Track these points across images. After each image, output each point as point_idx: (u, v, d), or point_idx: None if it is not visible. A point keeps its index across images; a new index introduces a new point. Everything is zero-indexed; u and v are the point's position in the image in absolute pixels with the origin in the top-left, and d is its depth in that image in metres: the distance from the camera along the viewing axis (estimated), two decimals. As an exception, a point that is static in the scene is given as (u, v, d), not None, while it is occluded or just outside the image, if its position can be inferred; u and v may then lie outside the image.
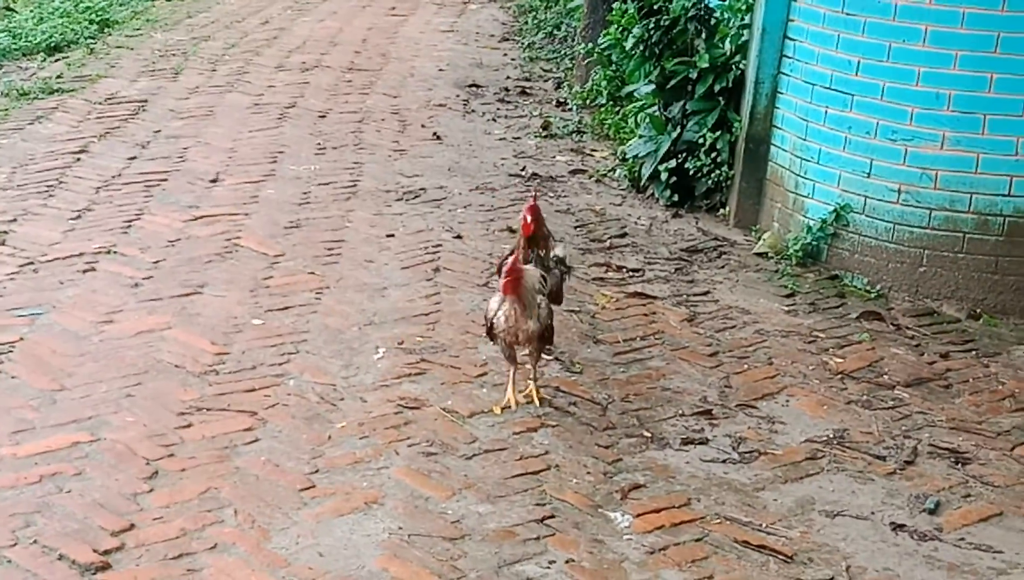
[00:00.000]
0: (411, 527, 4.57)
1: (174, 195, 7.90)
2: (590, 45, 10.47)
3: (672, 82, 8.34)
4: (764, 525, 4.77)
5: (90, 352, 5.74)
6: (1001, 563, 4.66)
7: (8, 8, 13.30)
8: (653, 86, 8.55)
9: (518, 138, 9.71)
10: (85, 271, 6.65)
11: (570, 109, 10.57)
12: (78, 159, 8.53)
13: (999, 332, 6.75)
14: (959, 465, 5.32)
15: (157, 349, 5.81)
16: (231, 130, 9.42)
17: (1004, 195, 6.78)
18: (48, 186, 7.95)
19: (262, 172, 8.45)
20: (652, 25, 8.41)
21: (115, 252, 6.93)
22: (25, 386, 5.41)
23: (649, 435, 5.37)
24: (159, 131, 9.30)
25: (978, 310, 6.89)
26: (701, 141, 8.10)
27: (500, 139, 9.66)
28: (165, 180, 8.17)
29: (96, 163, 8.46)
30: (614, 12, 9.51)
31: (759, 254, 7.53)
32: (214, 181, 8.20)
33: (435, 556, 4.41)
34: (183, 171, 8.37)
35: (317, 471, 4.91)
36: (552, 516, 4.72)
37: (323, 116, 10.00)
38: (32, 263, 6.71)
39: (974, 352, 6.48)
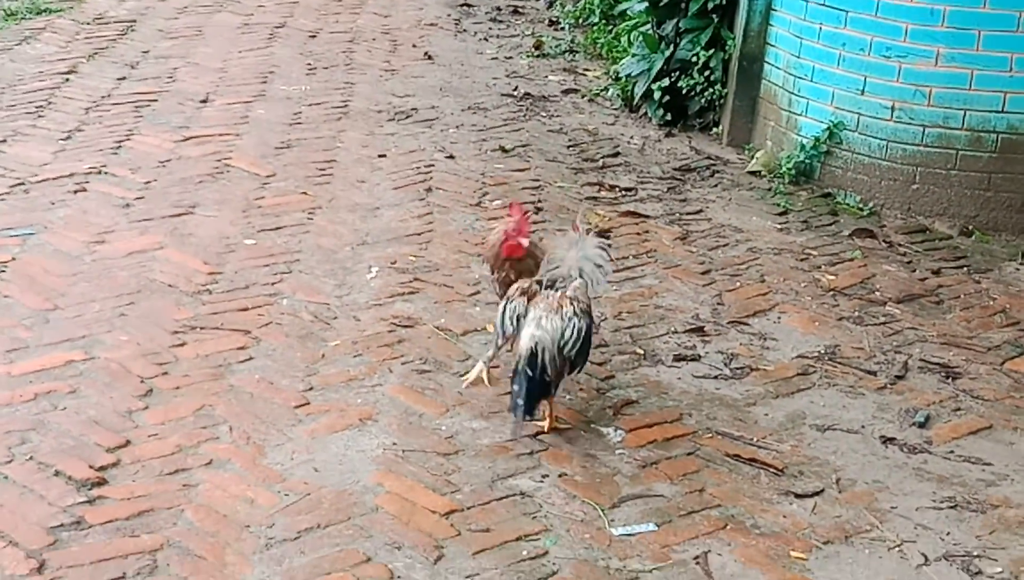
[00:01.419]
0: (405, 443, 4.61)
1: (164, 116, 7.85)
2: (582, -37, 10.38)
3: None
4: (755, 439, 4.81)
5: (82, 272, 5.74)
6: (990, 475, 4.70)
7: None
8: (646, 4, 8.46)
9: (510, 58, 9.65)
10: (76, 191, 6.62)
11: (562, 28, 10.49)
12: (67, 80, 8.46)
13: (991, 249, 6.76)
14: (949, 379, 5.36)
15: (149, 269, 5.80)
16: (220, 50, 9.34)
17: (997, 112, 6.76)
18: (37, 107, 7.89)
19: (252, 92, 8.40)
20: (645, -59, 8.32)
21: (106, 172, 6.90)
22: (18, 305, 5.42)
23: (641, 352, 5.40)
24: (148, 51, 9.22)
25: (970, 227, 6.90)
26: (694, 59, 8.05)
27: (492, 59, 9.59)
28: (155, 101, 8.12)
29: (85, 84, 8.40)
30: (606, -71, 9.41)
31: (752, 172, 7.52)
32: (204, 101, 8.15)
33: (429, 471, 4.45)
34: (173, 92, 8.32)
35: (311, 389, 4.93)
36: (545, 431, 4.75)
37: (313, 36, 9.92)
38: (23, 184, 6.69)
39: (966, 268, 6.50)
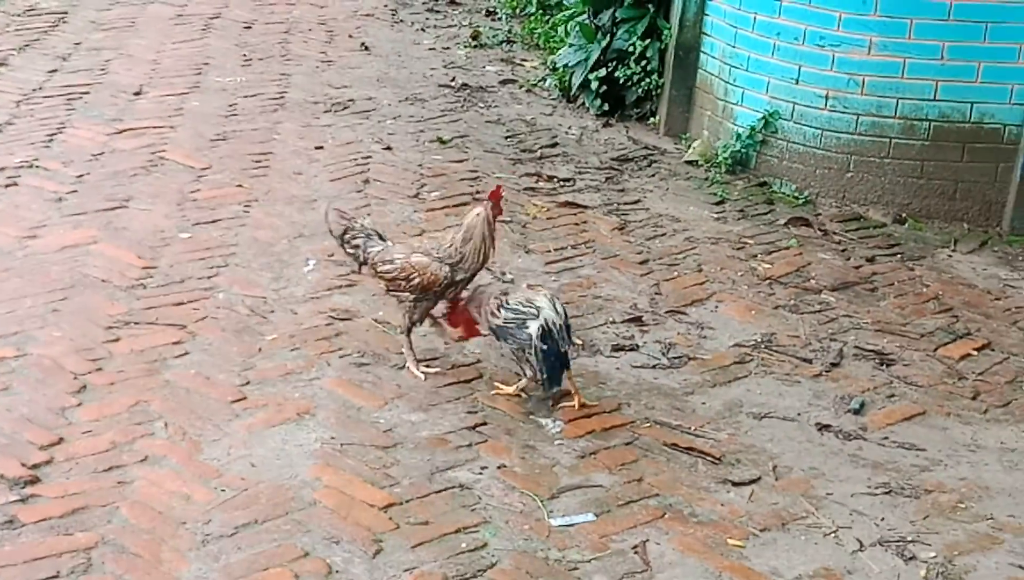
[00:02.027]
0: (344, 436, 4.59)
1: (97, 108, 7.76)
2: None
3: (601, -11, 8.29)
4: (693, 428, 4.84)
5: (14, 267, 5.66)
6: (924, 460, 4.76)
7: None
8: (582, -6, 8.49)
9: (447, 48, 9.62)
10: (7, 186, 6.53)
11: (500, 18, 10.47)
12: (-3, 72, 8.35)
13: (924, 236, 6.84)
14: (884, 366, 5.42)
15: (83, 263, 5.73)
16: (154, 42, 9.24)
17: (930, 100, 6.84)
18: (-33, 100, 7.78)
19: (187, 84, 8.32)
20: (581, -69, 8.33)
21: (38, 166, 6.81)
22: (-52, 302, 5.34)
23: (580, 342, 5.40)
24: (80, 43, 9.10)
25: (903, 214, 6.97)
26: (631, 49, 8.07)
27: (429, 49, 9.56)
28: (87, 93, 8.02)
29: (16, 76, 8.28)
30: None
31: (689, 162, 7.55)
32: (137, 94, 8.06)
33: (368, 464, 4.43)
34: (105, 84, 8.22)
35: (248, 383, 4.90)
36: (484, 423, 4.75)
37: (248, 27, 9.83)
38: (-48, 178, 6.59)
39: (899, 256, 6.57)
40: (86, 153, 7.02)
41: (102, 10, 10.03)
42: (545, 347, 4.75)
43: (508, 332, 4.82)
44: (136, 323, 5.27)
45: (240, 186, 6.72)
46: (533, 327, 4.77)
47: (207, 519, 4.09)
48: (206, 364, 5.00)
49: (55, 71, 8.43)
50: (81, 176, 6.70)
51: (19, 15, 9.72)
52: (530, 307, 4.81)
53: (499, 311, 4.84)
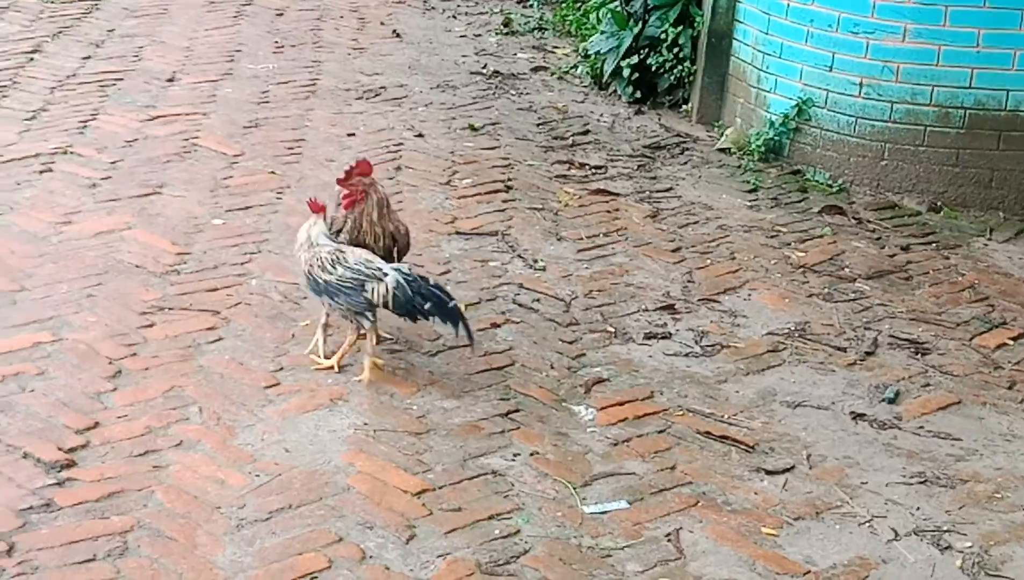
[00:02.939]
0: (376, 422, 4.59)
1: (130, 95, 7.78)
2: (551, -60, 10.34)
3: (634, -24, 8.27)
4: (726, 416, 4.83)
5: (49, 253, 5.69)
6: (959, 450, 4.73)
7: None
8: (615, -19, 8.46)
9: (479, 35, 9.61)
10: (42, 172, 6.56)
11: (531, 5, 10.45)
12: (31, 59, 8.37)
13: (959, 224, 6.80)
14: (918, 355, 5.39)
15: (117, 249, 5.76)
16: (186, 28, 9.26)
17: (965, 87, 6.79)
18: (1, 87, 7.79)
19: (219, 71, 8.33)
20: (613, -82, 8.30)
21: (72, 152, 6.83)
22: (-16, 287, 5.37)
23: (612, 330, 5.40)
24: (113, 30, 9.13)
25: (939, 203, 6.93)
26: (663, 36, 8.04)
27: (461, 36, 9.55)
28: (121, 80, 8.04)
29: (50, 63, 8.31)
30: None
31: (721, 150, 7.52)
32: (170, 80, 8.08)
33: (401, 450, 4.44)
34: (139, 70, 8.24)
35: (281, 369, 4.91)
36: (517, 410, 4.75)
37: (280, 14, 9.85)
38: (-13, 164, 6.62)
39: (934, 244, 6.53)
40: (120, 140, 7.05)
41: (135, -3, 10.06)
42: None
43: (341, 290, 4.75)
44: (170, 309, 5.29)
45: (272, 173, 6.74)
46: (381, 288, 4.69)
47: (241, 504, 4.10)
48: (240, 350, 5.02)
49: (89, 58, 8.47)
50: (115, 162, 6.73)
51: (53, 2, 9.75)
52: (372, 268, 4.75)
53: (333, 267, 4.77)
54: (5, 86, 7.81)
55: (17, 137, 7.00)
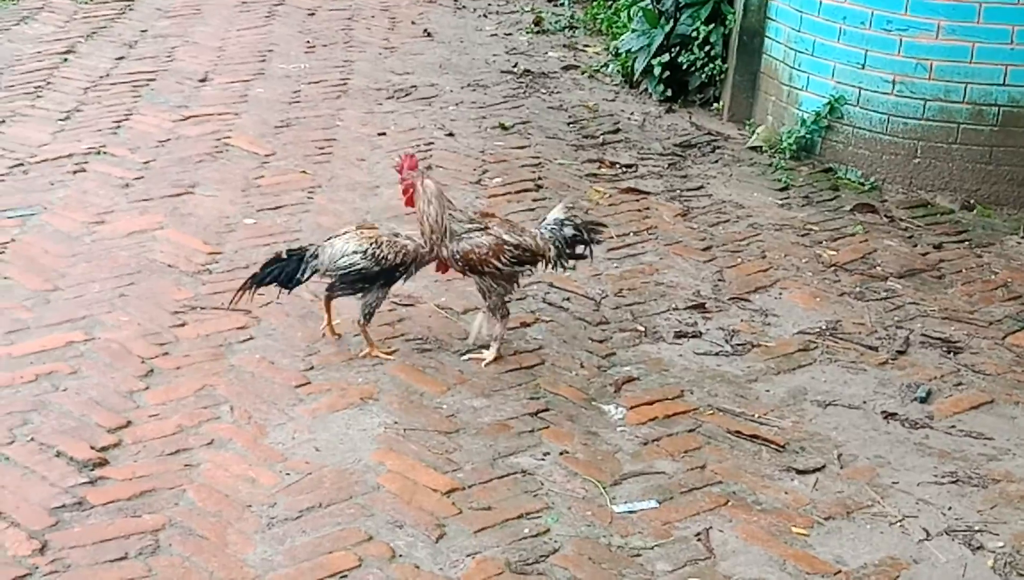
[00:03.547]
0: (406, 421, 4.61)
1: (163, 95, 7.83)
2: (581, -62, 10.33)
3: (665, -26, 8.25)
4: (756, 415, 4.81)
5: (82, 252, 5.73)
6: (992, 450, 4.70)
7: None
8: (646, -22, 8.45)
9: (509, 34, 9.61)
10: (75, 172, 6.61)
11: (562, 4, 10.44)
12: (65, 60, 8.44)
13: (992, 222, 6.75)
14: (951, 354, 5.35)
15: (149, 249, 5.79)
16: (219, 29, 9.31)
17: (999, 85, 6.74)
18: (36, 87, 7.87)
19: (251, 71, 8.37)
20: (644, -84, 8.28)
21: (105, 153, 6.88)
22: (18, 287, 5.41)
23: (642, 329, 5.39)
24: (146, 30, 9.19)
25: (971, 201, 6.88)
26: (694, 34, 8.02)
27: (491, 35, 9.56)
28: (153, 80, 8.09)
29: (83, 63, 8.38)
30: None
31: (753, 148, 7.50)
32: (203, 81, 8.13)
33: (431, 449, 4.45)
34: (171, 71, 8.29)
35: (312, 368, 4.93)
36: (546, 409, 4.75)
37: (312, 14, 9.88)
38: (22, 164, 6.67)
39: (967, 243, 6.49)
40: (152, 140, 7.09)
41: (168, -3, 10.12)
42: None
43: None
44: (202, 308, 5.32)
45: (304, 172, 6.76)
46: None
47: (272, 502, 4.12)
48: (271, 349, 5.04)
49: (122, 58, 8.52)
50: (147, 162, 6.77)
51: (86, 3, 9.83)
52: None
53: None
54: (39, 87, 7.88)
55: (51, 137, 7.06)
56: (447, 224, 4.90)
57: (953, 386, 5.12)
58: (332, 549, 3.92)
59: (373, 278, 4.94)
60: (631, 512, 4.21)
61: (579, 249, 5.10)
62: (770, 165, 7.25)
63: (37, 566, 3.78)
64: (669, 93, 8.20)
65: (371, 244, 4.92)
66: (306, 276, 4.98)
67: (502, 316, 5.02)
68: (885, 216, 6.70)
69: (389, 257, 4.91)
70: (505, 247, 4.92)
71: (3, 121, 7.28)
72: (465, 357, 5.03)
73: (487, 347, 5.05)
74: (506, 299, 5.03)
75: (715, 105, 8.08)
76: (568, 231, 5.06)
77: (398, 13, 10.03)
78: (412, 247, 4.95)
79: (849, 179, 7.10)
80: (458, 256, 4.92)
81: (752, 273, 5.97)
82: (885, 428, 4.80)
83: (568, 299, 5.59)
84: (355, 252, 4.91)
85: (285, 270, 4.98)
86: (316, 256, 4.97)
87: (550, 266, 5.06)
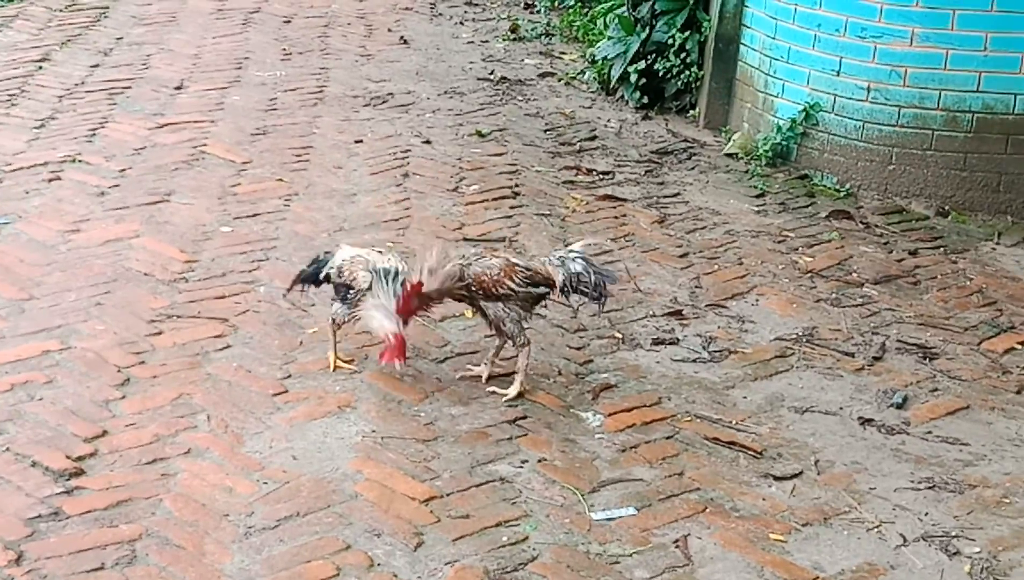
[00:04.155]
0: (384, 430, 4.60)
1: (138, 103, 7.80)
2: (557, -55, 10.34)
3: (641, -19, 8.27)
4: (734, 422, 4.82)
5: (58, 261, 5.70)
6: (968, 455, 4.73)
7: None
8: (622, -14, 8.47)
9: (486, 41, 9.62)
10: (51, 180, 6.58)
11: (538, 11, 10.46)
12: (40, 67, 8.39)
13: (967, 229, 6.79)
14: (927, 360, 5.38)
15: (125, 257, 5.77)
16: (194, 36, 9.28)
17: (973, 91, 6.79)
18: (10, 95, 7.83)
19: (227, 79, 8.35)
20: (620, -76, 8.30)
21: (80, 161, 6.85)
22: (-7, 296, 5.38)
23: (620, 336, 5.40)
24: (121, 38, 9.15)
25: (946, 207, 6.92)
26: (670, 41, 8.04)
27: (468, 42, 9.56)
28: (129, 88, 8.06)
29: (58, 71, 8.34)
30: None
31: (729, 155, 7.52)
32: (179, 88, 8.10)
33: (408, 457, 4.44)
34: (147, 78, 8.26)
35: (289, 376, 4.92)
36: (524, 417, 4.75)
37: (288, 21, 9.86)
38: (-4, 173, 6.64)
39: (942, 249, 6.52)
40: (128, 147, 7.07)
41: (143, 5, 10.07)
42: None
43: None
44: (178, 317, 5.30)
45: (280, 180, 6.74)
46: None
47: (250, 511, 4.11)
48: (248, 357, 5.02)
49: (97, 66, 8.49)
50: (123, 170, 6.75)
51: (61, 10, 9.78)
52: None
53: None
54: (14, 95, 7.84)
55: (26, 145, 7.02)
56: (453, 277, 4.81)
57: (929, 392, 5.15)
58: (310, 558, 3.91)
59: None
60: (609, 519, 4.21)
61: (583, 289, 4.91)
62: (746, 172, 7.28)
63: (13, 577, 3.76)
64: (645, 100, 8.22)
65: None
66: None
67: (522, 345, 4.85)
68: (861, 222, 6.73)
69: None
70: (517, 267, 4.85)
71: (-23, 129, 7.25)
72: (489, 388, 4.92)
73: (488, 364, 4.98)
74: (524, 326, 4.87)
75: (691, 112, 8.10)
76: (577, 266, 4.90)
77: (374, 20, 10.02)
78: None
79: (825, 185, 7.13)
80: (471, 281, 4.80)
81: (729, 280, 5.99)
82: (862, 434, 4.82)
83: (545, 306, 5.58)
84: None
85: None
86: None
87: (560, 294, 4.93)
